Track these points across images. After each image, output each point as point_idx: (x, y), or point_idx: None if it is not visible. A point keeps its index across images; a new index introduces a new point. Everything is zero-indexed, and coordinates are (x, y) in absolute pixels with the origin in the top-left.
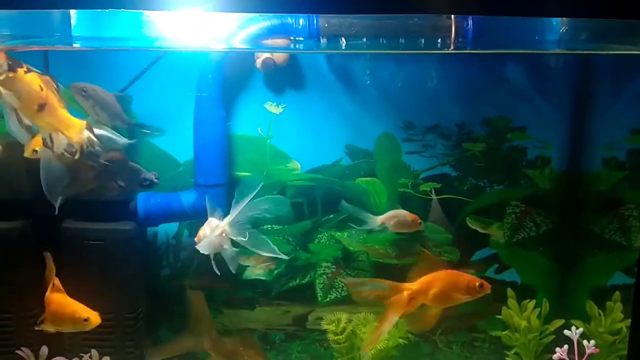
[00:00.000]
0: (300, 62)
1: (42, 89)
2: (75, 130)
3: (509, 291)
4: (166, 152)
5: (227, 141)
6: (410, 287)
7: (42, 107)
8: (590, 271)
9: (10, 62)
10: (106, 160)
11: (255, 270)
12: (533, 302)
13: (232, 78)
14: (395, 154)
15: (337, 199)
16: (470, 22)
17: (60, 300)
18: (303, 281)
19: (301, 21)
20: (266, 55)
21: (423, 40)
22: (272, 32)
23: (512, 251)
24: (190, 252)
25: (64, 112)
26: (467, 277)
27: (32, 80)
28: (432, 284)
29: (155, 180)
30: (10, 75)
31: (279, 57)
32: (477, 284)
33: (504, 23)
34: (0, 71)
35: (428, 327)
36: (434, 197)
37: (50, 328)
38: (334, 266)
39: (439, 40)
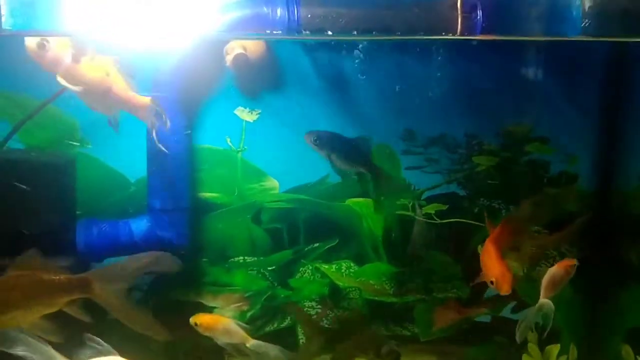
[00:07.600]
0: (279, 59)
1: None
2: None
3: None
4: (115, 169)
5: (189, 155)
6: None
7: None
8: (626, 308)
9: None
10: None
11: (224, 313)
12: (558, 346)
13: (195, 76)
14: (393, 169)
15: (324, 224)
16: (480, 12)
17: None
18: (282, 325)
19: (279, 11)
20: (238, 50)
21: (423, 34)
22: (243, 24)
23: (532, 285)
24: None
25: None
26: None
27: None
28: None
29: None
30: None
31: (253, 52)
32: None
33: (520, 16)
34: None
35: None
36: (419, 217)
37: None
38: (319, 306)
39: (443, 34)
